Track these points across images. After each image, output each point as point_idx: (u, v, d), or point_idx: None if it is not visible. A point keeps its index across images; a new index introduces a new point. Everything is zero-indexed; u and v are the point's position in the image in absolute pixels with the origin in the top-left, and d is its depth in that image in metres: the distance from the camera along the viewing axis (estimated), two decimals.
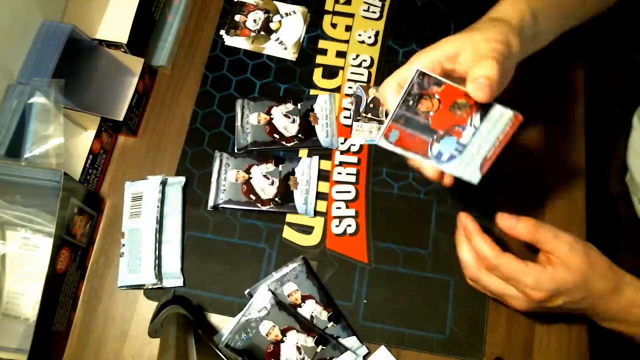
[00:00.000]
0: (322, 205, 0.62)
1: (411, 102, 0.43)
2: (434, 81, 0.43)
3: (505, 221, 0.49)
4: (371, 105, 0.65)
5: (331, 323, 0.56)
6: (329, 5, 0.72)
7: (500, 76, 0.42)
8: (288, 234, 0.61)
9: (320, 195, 0.62)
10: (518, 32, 0.48)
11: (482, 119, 0.44)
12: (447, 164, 0.44)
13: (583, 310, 0.49)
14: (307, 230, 0.61)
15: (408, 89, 0.43)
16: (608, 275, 0.48)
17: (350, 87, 0.67)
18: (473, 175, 0.43)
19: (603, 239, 0.53)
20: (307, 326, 0.54)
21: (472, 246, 0.50)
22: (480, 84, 0.42)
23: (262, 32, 0.70)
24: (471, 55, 0.44)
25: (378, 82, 0.68)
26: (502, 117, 0.44)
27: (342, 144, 0.65)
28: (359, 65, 0.69)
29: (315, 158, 0.63)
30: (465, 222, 0.50)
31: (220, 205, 0.61)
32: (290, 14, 0.71)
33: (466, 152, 0.43)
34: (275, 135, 0.64)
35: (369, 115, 0.65)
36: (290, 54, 0.69)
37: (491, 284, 0.49)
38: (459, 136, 0.43)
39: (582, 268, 0.47)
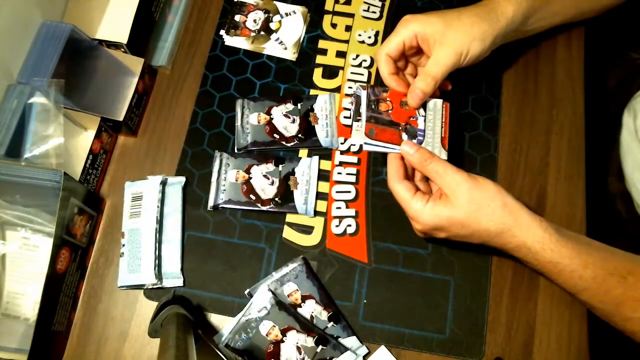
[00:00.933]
0: (322, 205, 0.62)
1: (373, 106, 0.55)
2: (382, 89, 0.56)
3: (405, 146, 0.53)
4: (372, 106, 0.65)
5: (331, 323, 0.55)
6: (329, 5, 0.72)
7: (433, 89, 0.54)
8: (288, 234, 0.61)
9: (320, 195, 0.62)
10: (499, 32, 0.56)
11: (425, 109, 0.56)
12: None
13: (480, 242, 0.52)
14: (307, 230, 0.61)
15: (367, 101, 0.55)
16: (496, 215, 0.49)
17: (350, 87, 0.67)
18: (441, 153, 0.54)
19: (603, 236, 0.53)
20: (307, 326, 0.54)
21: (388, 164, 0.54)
22: (415, 95, 0.54)
23: (262, 32, 0.70)
24: (436, 43, 0.54)
25: (378, 82, 0.68)
26: (436, 105, 0.56)
27: (342, 144, 0.65)
28: (359, 65, 0.69)
29: (315, 158, 0.63)
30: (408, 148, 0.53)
31: (220, 205, 0.61)
32: (290, 14, 0.71)
33: (427, 136, 0.55)
34: (275, 135, 0.64)
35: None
36: (290, 54, 0.69)
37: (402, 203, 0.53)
38: (416, 124, 0.55)
39: (464, 207, 0.49)
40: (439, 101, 0.56)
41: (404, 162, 0.54)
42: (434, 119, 0.56)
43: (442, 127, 0.56)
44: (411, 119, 0.55)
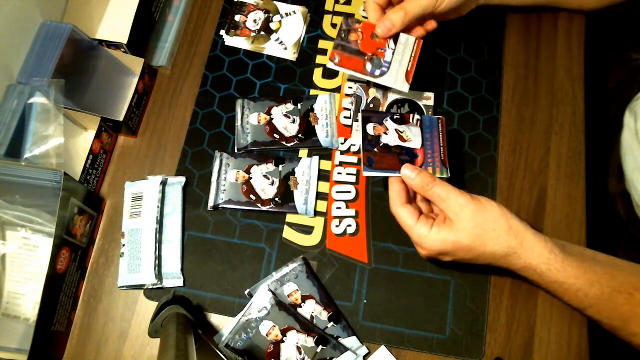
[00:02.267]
0: (322, 205, 0.62)
1: (343, 35, 0.58)
2: (356, 20, 0.59)
3: (406, 170, 0.52)
4: (371, 105, 0.65)
5: (331, 323, 0.55)
6: (329, 5, 0.72)
7: (404, 23, 0.56)
8: (288, 234, 0.61)
9: (320, 195, 0.62)
10: None
11: (395, 42, 0.58)
12: (380, 78, 0.57)
13: (486, 264, 0.52)
14: (307, 230, 0.61)
15: (340, 30, 0.59)
16: (501, 238, 0.49)
17: (350, 87, 0.67)
18: (403, 86, 0.57)
19: (603, 236, 0.53)
20: (307, 326, 0.54)
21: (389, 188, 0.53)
22: (383, 25, 0.57)
23: (262, 32, 0.70)
24: None
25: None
26: (408, 41, 0.58)
27: (342, 144, 0.65)
28: None
29: (315, 158, 0.63)
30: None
31: (220, 205, 0.61)
32: (290, 14, 0.71)
33: (392, 68, 0.57)
34: (275, 135, 0.64)
35: None
36: (290, 54, 0.69)
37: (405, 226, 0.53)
38: (382, 56, 0.57)
39: (469, 232, 0.49)
40: (412, 37, 0.58)
41: (405, 185, 0.53)
42: (402, 53, 0.57)
43: (410, 61, 0.57)
44: (379, 50, 0.57)
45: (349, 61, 0.57)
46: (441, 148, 0.55)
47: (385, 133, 0.55)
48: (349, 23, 0.58)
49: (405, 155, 0.54)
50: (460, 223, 0.49)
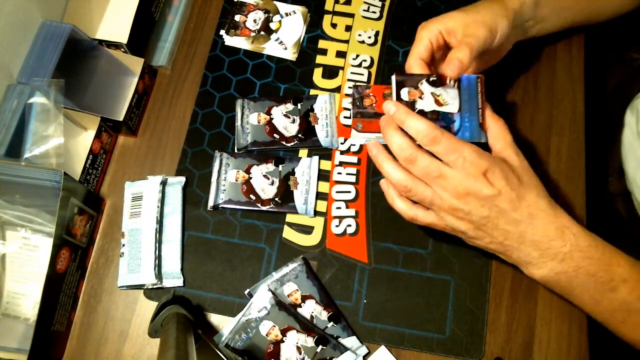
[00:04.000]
0: (322, 205, 0.62)
1: (358, 103, 0.57)
2: (365, 87, 0.58)
3: (388, 105, 0.50)
4: (357, 103, 0.65)
5: (331, 323, 0.56)
6: (329, 5, 0.72)
7: (470, 58, 0.51)
8: (288, 234, 0.61)
9: (320, 195, 0.62)
10: (513, 15, 0.55)
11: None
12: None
13: (517, 229, 0.47)
14: (307, 230, 0.61)
15: (352, 99, 0.57)
16: (544, 191, 0.49)
17: (350, 88, 0.67)
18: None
19: (603, 237, 0.53)
20: (307, 326, 0.54)
21: (406, 129, 0.48)
22: (453, 65, 0.51)
23: (262, 32, 0.70)
24: (461, 34, 0.53)
25: (378, 82, 0.68)
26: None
27: (342, 144, 0.65)
28: (359, 65, 0.69)
29: (315, 158, 0.63)
30: (391, 106, 0.49)
31: (220, 205, 0.61)
32: (290, 14, 0.71)
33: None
34: (275, 135, 0.64)
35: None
36: (290, 54, 0.69)
37: (431, 164, 0.47)
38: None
39: (523, 169, 0.48)
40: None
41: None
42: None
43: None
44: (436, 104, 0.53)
45: (370, 126, 0.55)
46: (479, 110, 0.51)
47: (420, 98, 0.51)
48: (359, 91, 0.57)
49: (441, 121, 0.50)
50: (509, 157, 0.49)
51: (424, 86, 0.51)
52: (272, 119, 0.65)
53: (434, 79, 0.51)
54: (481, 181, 0.46)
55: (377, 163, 0.50)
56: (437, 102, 0.51)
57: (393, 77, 0.51)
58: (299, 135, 0.64)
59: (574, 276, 0.48)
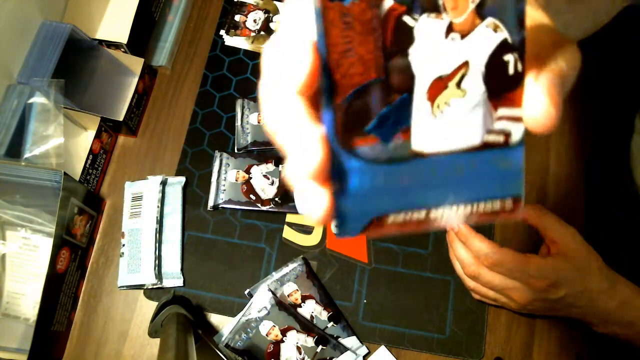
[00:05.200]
0: None
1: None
2: None
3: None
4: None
5: (331, 323, 0.56)
6: None
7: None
8: (288, 234, 0.61)
9: None
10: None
11: None
12: None
13: (581, 309, 0.50)
14: (307, 230, 0.61)
15: None
16: (604, 270, 0.49)
17: None
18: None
19: (603, 237, 0.53)
20: (307, 326, 0.54)
21: (468, 247, 0.50)
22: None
23: (262, 32, 0.70)
24: None
25: None
26: None
27: None
28: None
29: None
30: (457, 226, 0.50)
31: (220, 205, 0.61)
32: None
33: None
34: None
35: None
36: None
37: (494, 279, 0.49)
38: None
39: (582, 259, 0.48)
40: None
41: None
42: None
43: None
44: None
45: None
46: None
47: None
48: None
49: None
50: (574, 252, 0.48)
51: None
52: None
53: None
54: (547, 291, 0.48)
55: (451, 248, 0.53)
56: None
57: None
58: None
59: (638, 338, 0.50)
